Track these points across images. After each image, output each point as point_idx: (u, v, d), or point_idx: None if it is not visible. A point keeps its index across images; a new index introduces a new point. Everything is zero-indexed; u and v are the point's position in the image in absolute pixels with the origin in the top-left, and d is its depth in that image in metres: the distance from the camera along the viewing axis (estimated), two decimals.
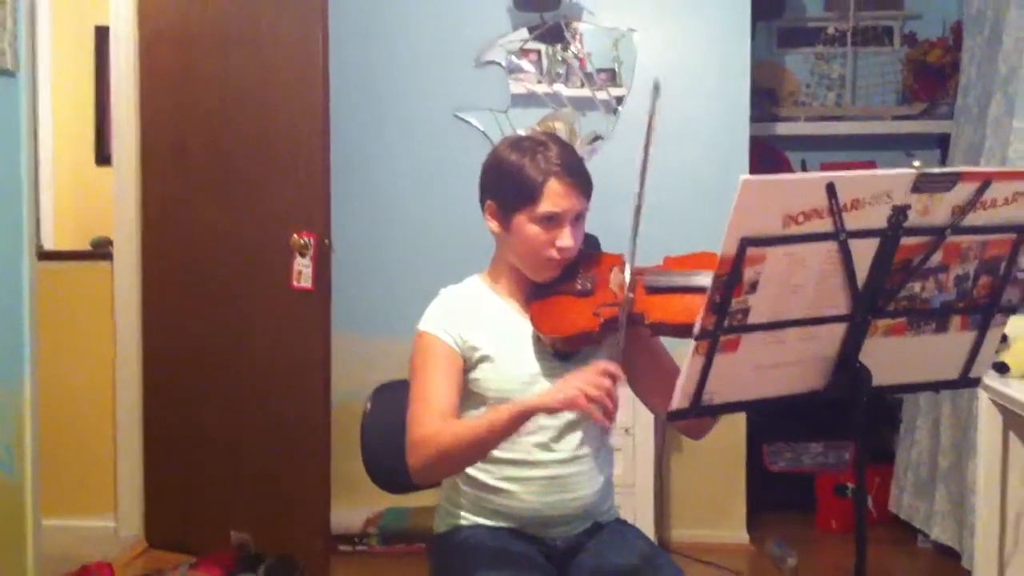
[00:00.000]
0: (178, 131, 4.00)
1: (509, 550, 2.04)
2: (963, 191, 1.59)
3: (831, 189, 1.51)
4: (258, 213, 3.85)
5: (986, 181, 1.59)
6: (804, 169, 4.88)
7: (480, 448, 1.95)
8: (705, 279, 1.86)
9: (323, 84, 3.69)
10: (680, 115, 4.15)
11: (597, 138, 4.20)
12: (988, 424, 2.93)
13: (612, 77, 4.20)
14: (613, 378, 1.80)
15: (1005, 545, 2.92)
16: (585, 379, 1.80)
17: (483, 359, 2.08)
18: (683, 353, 1.62)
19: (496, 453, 2.05)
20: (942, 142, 4.56)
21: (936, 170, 1.55)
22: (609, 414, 1.78)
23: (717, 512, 4.25)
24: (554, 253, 2.05)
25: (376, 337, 4.19)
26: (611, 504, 2.23)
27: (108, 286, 4.21)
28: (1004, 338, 2.79)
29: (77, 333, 4.26)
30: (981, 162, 3.71)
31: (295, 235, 3.71)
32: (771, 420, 4.36)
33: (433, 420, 1.97)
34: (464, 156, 4.01)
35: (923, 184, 1.55)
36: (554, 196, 2.02)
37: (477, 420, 1.98)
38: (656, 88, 1.90)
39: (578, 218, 2.07)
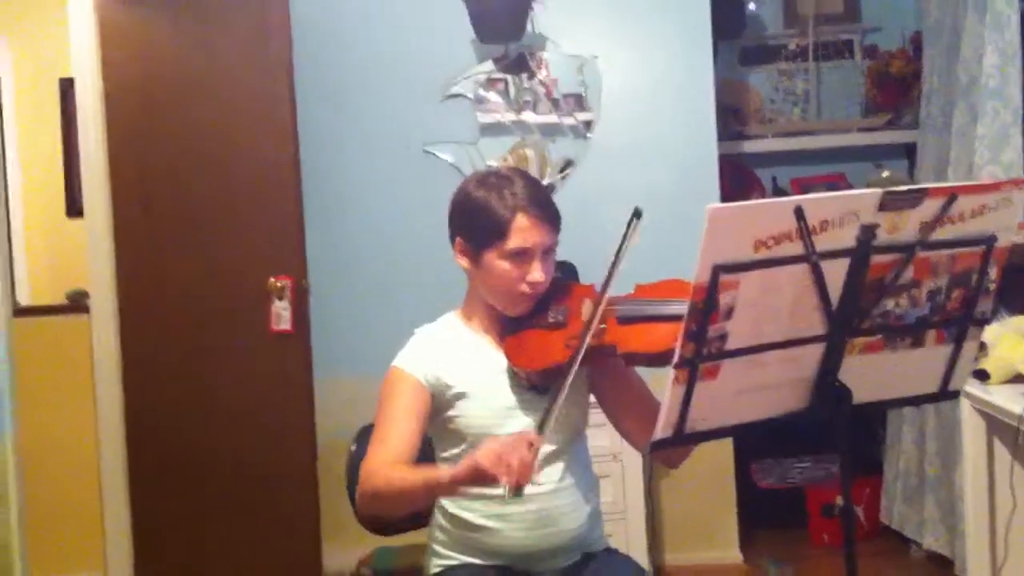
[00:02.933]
0: (149, 180, 3.99)
1: None
2: (930, 207, 1.61)
3: (799, 212, 1.53)
4: (233, 259, 3.84)
5: (952, 196, 1.61)
6: (775, 186, 4.91)
7: (407, 500, 2.00)
8: (676, 307, 1.87)
9: (292, 127, 3.71)
10: (647, 138, 4.18)
11: (569, 164, 4.21)
12: (972, 431, 2.95)
13: (579, 102, 4.21)
14: (529, 445, 1.78)
15: (996, 550, 2.92)
16: (494, 445, 1.79)
17: (459, 396, 2.08)
18: (662, 382, 1.62)
19: (478, 491, 2.05)
20: (910, 151, 4.59)
21: (902, 188, 1.57)
22: (517, 477, 1.74)
23: (710, 533, 4.24)
24: (525, 288, 2.05)
25: (358, 376, 4.15)
26: (600, 533, 2.22)
27: (86, 339, 4.17)
28: (983, 346, 2.81)
29: (57, 388, 4.22)
30: (948, 171, 3.74)
31: (271, 279, 3.70)
32: (758, 438, 4.35)
33: (382, 459, 1.99)
34: (435, 190, 3.97)
35: (890, 202, 1.57)
36: (522, 231, 2.03)
37: (410, 474, 1.97)
38: (637, 215, 1.90)
39: (548, 251, 2.08)
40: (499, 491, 1.76)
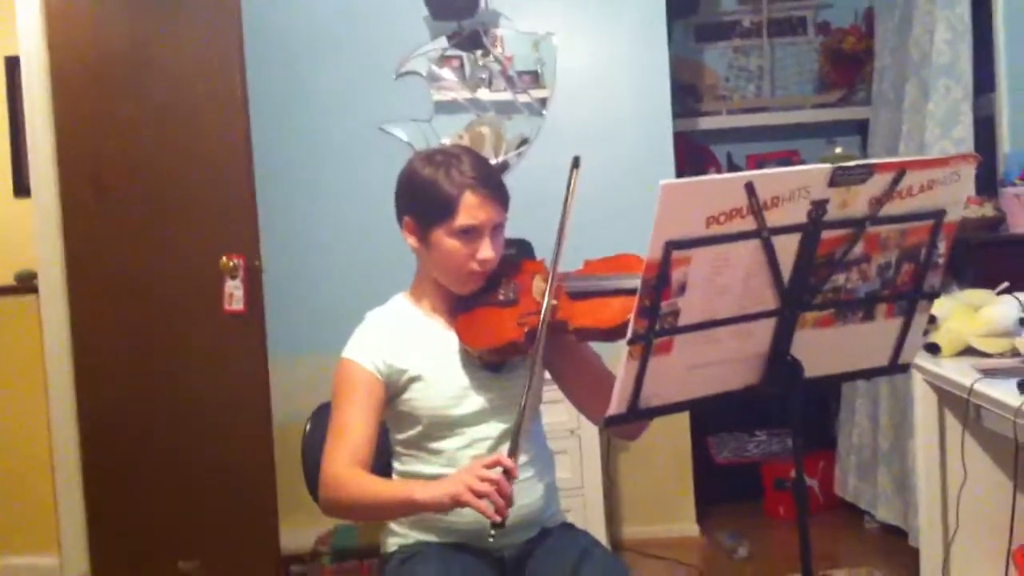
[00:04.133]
0: (97, 159, 3.93)
1: (457, 566, 2.03)
2: (879, 182, 1.62)
3: (750, 188, 1.53)
4: (185, 238, 3.80)
5: (900, 171, 1.62)
6: (731, 162, 4.93)
7: (376, 513, 2.04)
8: (627, 281, 1.88)
9: (243, 105, 3.65)
10: (603, 116, 4.18)
11: (524, 141, 4.20)
12: (923, 404, 2.98)
13: (535, 79, 4.20)
14: (507, 472, 1.78)
15: (948, 521, 2.97)
16: (473, 473, 1.79)
17: (413, 379, 2.08)
18: (617, 357, 1.62)
19: (435, 470, 2.07)
20: (862, 127, 4.63)
21: (850, 164, 1.58)
22: (500, 509, 1.75)
23: (667, 507, 4.28)
24: (475, 266, 2.05)
25: (312, 356, 4.14)
26: (556, 509, 2.23)
27: (35, 319, 4.12)
28: (933, 319, 2.84)
29: (7, 368, 4.18)
30: (900, 146, 3.77)
31: (224, 258, 3.67)
32: (715, 413, 4.39)
33: (344, 459, 1.99)
34: (390, 169, 3.90)
35: (839, 178, 1.58)
36: (471, 209, 2.02)
37: (380, 487, 1.99)
38: (575, 163, 1.89)
39: (497, 229, 2.07)
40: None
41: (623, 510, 4.27)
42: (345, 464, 1.99)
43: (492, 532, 1.76)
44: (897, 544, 3.85)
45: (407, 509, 1.97)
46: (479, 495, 1.75)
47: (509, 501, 1.75)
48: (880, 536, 4.09)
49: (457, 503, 1.79)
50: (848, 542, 4.08)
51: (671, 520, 4.27)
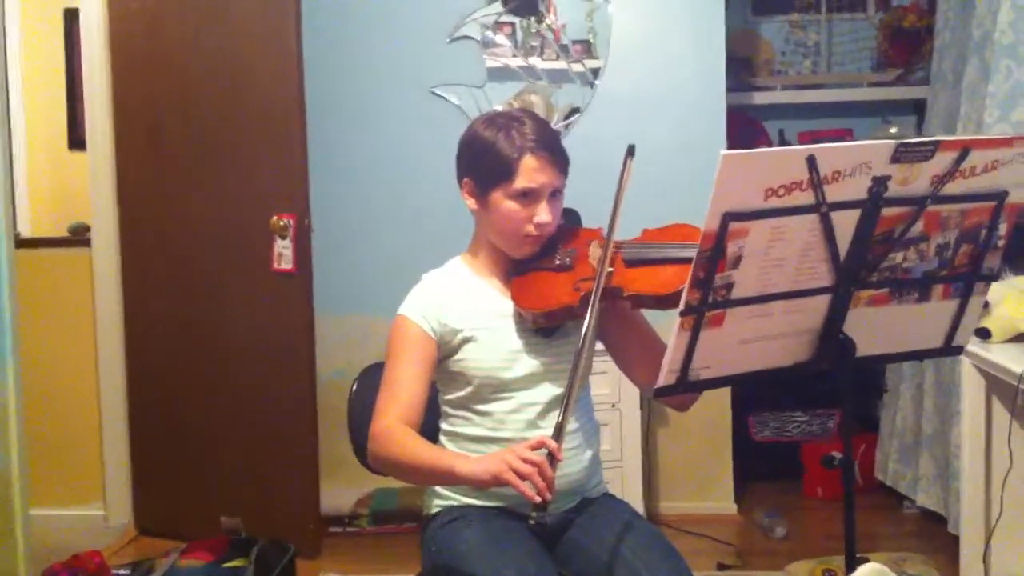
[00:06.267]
0: (152, 114, 3.97)
1: (498, 528, 2.04)
2: (942, 160, 1.60)
3: (812, 162, 1.52)
4: (236, 195, 3.82)
5: (965, 149, 1.60)
6: (782, 138, 4.88)
7: (417, 477, 2.02)
8: (683, 250, 1.87)
9: (297, 63, 3.66)
10: (656, 87, 4.14)
11: (574, 111, 4.18)
12: (971, 390, 2.95)
13: (587, 49, 4.18)
14: (551, 454, 1.76)
15: (991, 510, 2.94)
16: (516, 453, 1.78)
17: (466, 340, 2.08)
18: (668, 328, 1.62)
19: (483, 433, 2.08)
20: (918, 108, 4.56)
21: (915, 140, 1.56)
22: (541, 491, 1.73)
23: (705, 484, 4.27)
24: (532, 229, 2.05)
25: (360, 317, 4.17)
26: (599, 479, 2.23)
27: (87, 273, 4.18)
28: (985, 304, 2.79)
29: (58, 321, 4.23)
30: (957, 128, 3.71)
31: (274, 217, 3.69)
32: (756, 391, 4.37)
33: (394, 415, 2.00)
34: (441, 132, 3.97)
35: (903, 154, 1.56)
36: (530, 172, 2.02)
37: (425, 451, 1.98)
38: (630, 152, 1.87)
39: (555, 194, 2.07)
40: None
41: (661, 485, 4.27)
42: (394, 420, 2.00)
43: (533, 514, 1.75)
44: (936, 530, 3.83)
45: (447, 480, 1.99)
46: (521, 476, 1.74)
47: (551, 484, 1.74)
48: (919, 521, 4.06)
49: (498, 482, 1.78)
50: (886, 526, 4.05)
51: (709, 497, 4.26)
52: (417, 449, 1.97)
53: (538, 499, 1.73)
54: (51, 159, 5.01)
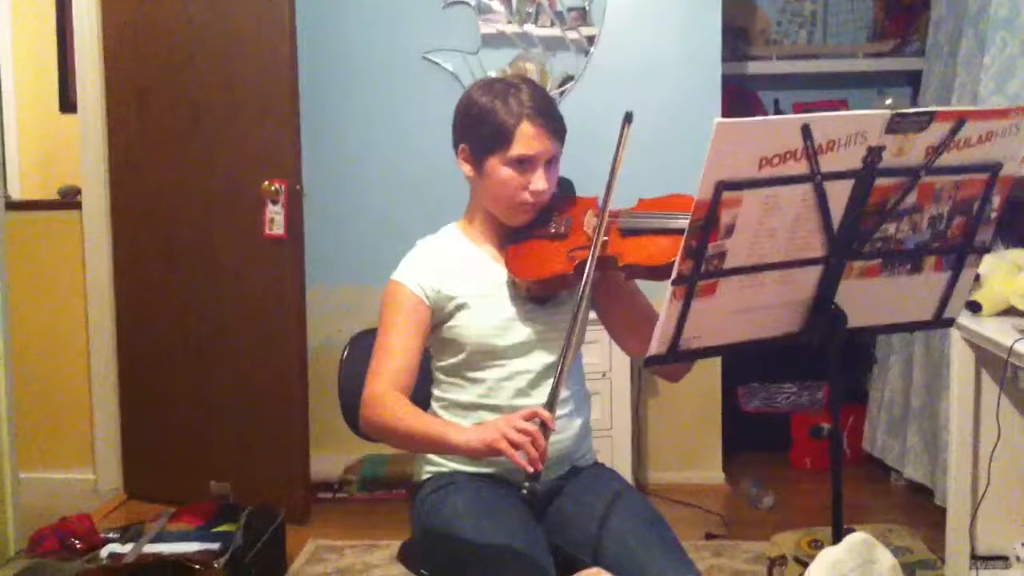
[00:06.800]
0: (142, 77, 3.94)
1: (488, 495, 2.04)
2: (937, 131, 1.59)
3: (806, 131, 1.51)
4: (227, 160, 3.81)
5: (960, 120, 1.59)
6: (777, 109, 4.87)
7: (410, 444, 1.98)
8: (679, 221, 1.86)
9: (289, 27, 3.64)
10: (651, 55, 4.13)
11: (569, 79, 4.16)
12: (960, 362, 2.96)
13: (583, 16, 4.15)
14: (544, 424, 1.74)
15: (978, 482, 2.96)
16: (509, 423, 1.76)
17: (460, 307, 2.08)
18: (660, 298, 1.61)
19: (474, 399, 2.09)
20: (913, 79, 4.55)
21: (911, 110, 1.55)
22: (533, 460, 1.71)
23: (693, 454, 4.29)
24: (528, 196, 2.04)
25: (352, 285, 4.17)
26: (588, 448, 2.23)
27: (78, 236, 4.17)
28: (976, 277, 2.80)
29: (48, 284, 4.22)
30: (952, 99, 3.70)
31: (266, 182, 3.67)
32: (745, 362, 4.38)
33: (387, 382, 1.99)
34: (434, 99, 4.00)
35: (898, 124, 1.55)
36: (527, 139, 2.01)
37: (414, 419, 1.95)
38: (628, 119, 1.85)
39: (551, 161, 2.06)
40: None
41: (650, 455, 4.28)
42: (387, 386, 2.00)
43: (525, 484, 1.73)
44: (923, 502, 3.85)
45: (440, 448, 1.97)
46: (515, 445, 1.73)
47: (543, 454, 1.73)
48: (906, 493, 4.08)
49: (491, 451, 1.76)
50: (874, 498, 4.08)
51: (697, 467, 4.28)
52: (410, 417, 1.96)
53: (531, 469, 1.72)
54: (41, 122, 4.99)
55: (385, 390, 1.99)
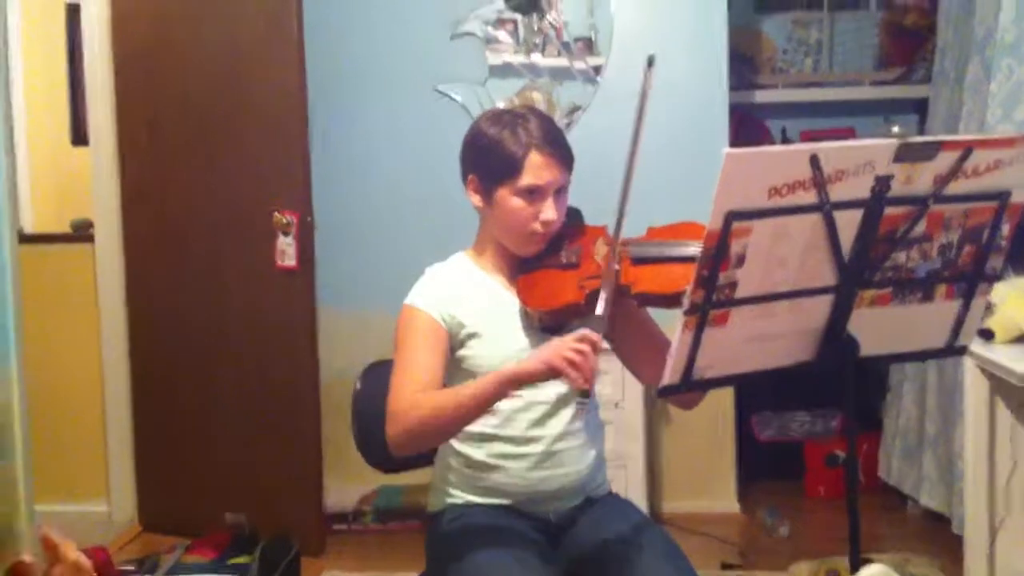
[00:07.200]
0: (154, 110, 3.97)
1: (503, 527, 2.04)
2: (945, 160, 1.60)
3: (815, 161, 1.52)
4: (238, 192, 3.83)
5: (968, 149, 1.60)
6: (784, 137, 4.88)
7: (461, 418, 1.94)
8: (690, 249, 1.88)
9: (299, 60, 3.67)
10: (658, 84, 4.08)
11: (576, 109, 4.18)
12: (974, 390, 2.94)
13: (589, 46, 4.17)
14: (593, 345, 1.79)
15: (995, 510, 2.94)
16: (564, 343, 1.81)
17: (471, 336, 2.08)
18: (672, 326, 1.62)
19: (490, 431, 2.08)
20: (920, 107, 4.56)
21: (918, 139, 1.56)
22: (587, 378, 1.79)
23: (708, 483, 4.27)
24: (538, 226, 2.05)
25: (363, 313, 4.17)
26: (603, 478, 2.23)
27: (91, 269, 4.18)
28: (989, 304, 2.79)
29: (61, 317, 4.23)
30: (960, 127, 3.71)
31: (276, 213, 3.69)
32: (759, 390, 4.37)
33: (414, 391, 1.97)
34: (443, 129, 4.01)
35: (905, 154, 1.56)
36: (535, 169, 2.02)
37: (458, 389, 1.95)
38: (650, 62, 1.88)
39: (560, 191, 2.07)
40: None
41: (664, 484, 4.27)
42: (414, 392, 1.97)
43: (580, 399, 1.89)
44: (940, 531, 3.81)
45: (499, 389, 1.89)
46: (571, 364, 1.78)
47: (594, 373, 1.80)
48: (922, 522, 4.05)
49: (551, 369, 1.80)
50: (890, 526, 4.04)
51: (712, 496, 4.26)
52: (450, 393, 1.96)
53: (585, 386, 1.81)
54: (53, 155, 5.02)
55: (413, 395, 1.96)
